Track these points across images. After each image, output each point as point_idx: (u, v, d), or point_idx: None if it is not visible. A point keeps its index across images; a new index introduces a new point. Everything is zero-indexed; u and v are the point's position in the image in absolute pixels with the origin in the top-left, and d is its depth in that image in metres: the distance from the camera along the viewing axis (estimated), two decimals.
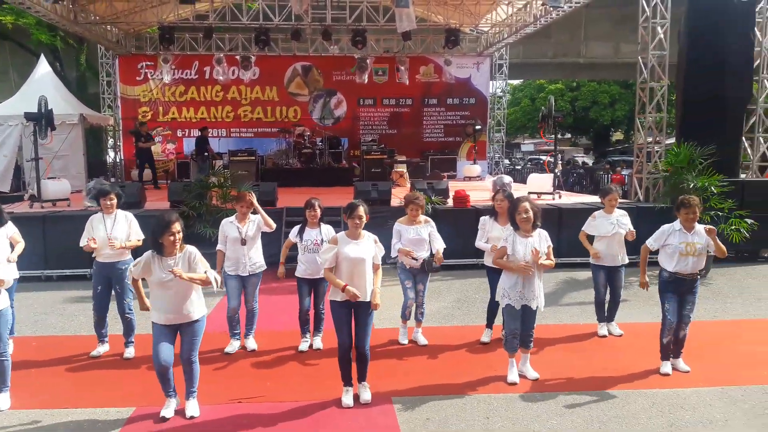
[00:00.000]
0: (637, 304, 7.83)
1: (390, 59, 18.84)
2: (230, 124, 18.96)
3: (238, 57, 17.73)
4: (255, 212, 6.44)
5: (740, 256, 10.88)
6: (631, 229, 6.72)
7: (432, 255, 6.30)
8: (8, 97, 17.07)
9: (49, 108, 11.18)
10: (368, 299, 4.98)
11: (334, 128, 18.95)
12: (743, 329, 7.15)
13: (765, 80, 11.82)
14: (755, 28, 11.44)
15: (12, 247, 6.15)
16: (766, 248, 11.12)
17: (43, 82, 15.67)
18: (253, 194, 6.54)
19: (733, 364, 5.96)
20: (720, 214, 9.59)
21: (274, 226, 6.55)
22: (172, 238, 4.61)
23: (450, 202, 11.05)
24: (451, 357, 6.23)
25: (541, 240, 5.42)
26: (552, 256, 5.47)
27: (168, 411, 4.83)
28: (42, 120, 11.05)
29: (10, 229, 6.18)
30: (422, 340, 6.61)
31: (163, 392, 4.86)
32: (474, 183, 16.94)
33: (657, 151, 11.67)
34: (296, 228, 6.38)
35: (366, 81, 17.89)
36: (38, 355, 6.30)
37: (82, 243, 6.15)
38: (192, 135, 18.56)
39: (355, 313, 4.99)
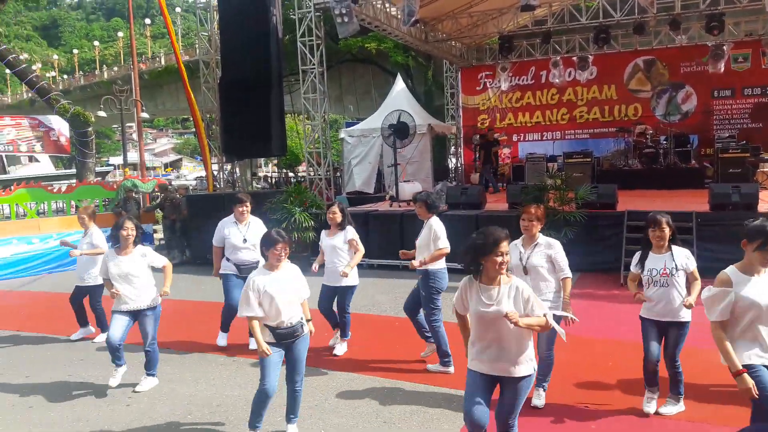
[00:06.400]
0: None
1: (754, 43, 16.29)
2: (565, 126, 18.80)
3: (575, 58, 17.53)
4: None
5: None
6: None
7: None
8: (371, 113, 19.91)
9: (403, 121, 12.64)
10: None
11: (681, 125, 17.22)
12: None
13: None
14: None
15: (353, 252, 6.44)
16: None
17: (399, 98, 17.85)
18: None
19: None
20: None
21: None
22: (499, 259, 3.48)
23: None
24: None
25: None
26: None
27: None
28: (398, 131, 12.59)
29: (351, 233, 6.48)
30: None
31: None
32: None
33: None
34: (637, 255, 4.87)
35: (722, 70, 15.81)
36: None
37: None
38: (527, 139, 19.03)
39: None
